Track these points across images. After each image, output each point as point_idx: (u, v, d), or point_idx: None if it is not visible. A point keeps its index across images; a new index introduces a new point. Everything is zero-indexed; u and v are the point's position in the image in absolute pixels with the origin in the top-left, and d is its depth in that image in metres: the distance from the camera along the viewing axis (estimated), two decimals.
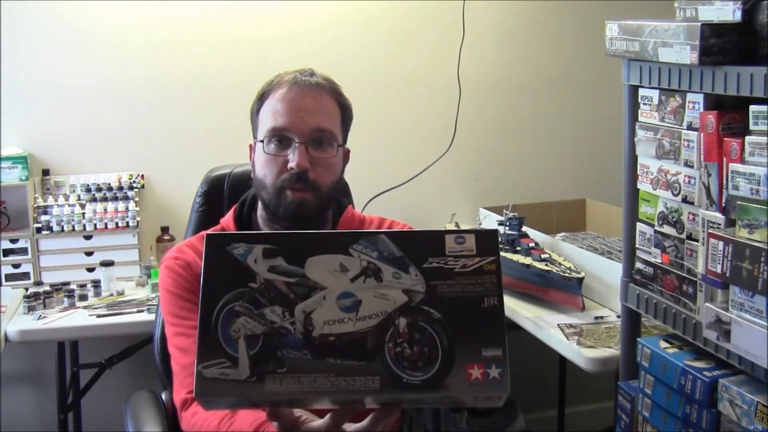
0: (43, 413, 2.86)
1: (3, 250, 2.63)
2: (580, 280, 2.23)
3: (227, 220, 1.70)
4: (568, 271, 2.26)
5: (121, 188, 2.76)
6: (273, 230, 1.65)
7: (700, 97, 1.51)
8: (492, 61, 3.07)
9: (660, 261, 1.66)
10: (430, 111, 3.03)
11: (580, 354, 2.01)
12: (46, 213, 2.65)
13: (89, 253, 2.69)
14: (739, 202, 1.39)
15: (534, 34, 3.10)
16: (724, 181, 1.44)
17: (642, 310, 1.74)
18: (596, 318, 2.21)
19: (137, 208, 2.73)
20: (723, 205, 1.45)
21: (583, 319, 2.21)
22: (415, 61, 3.00)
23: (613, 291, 2.09)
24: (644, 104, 1.67)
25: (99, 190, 2.74)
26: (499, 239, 2.50)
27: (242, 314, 1.16)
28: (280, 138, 1.57)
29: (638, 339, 1.74)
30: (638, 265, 1.74)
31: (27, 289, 2.54)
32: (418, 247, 1.19)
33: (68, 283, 2.57)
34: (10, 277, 2.63)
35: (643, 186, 1.70)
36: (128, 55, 2.77)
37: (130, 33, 2.76)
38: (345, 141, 1.67)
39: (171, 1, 2.77)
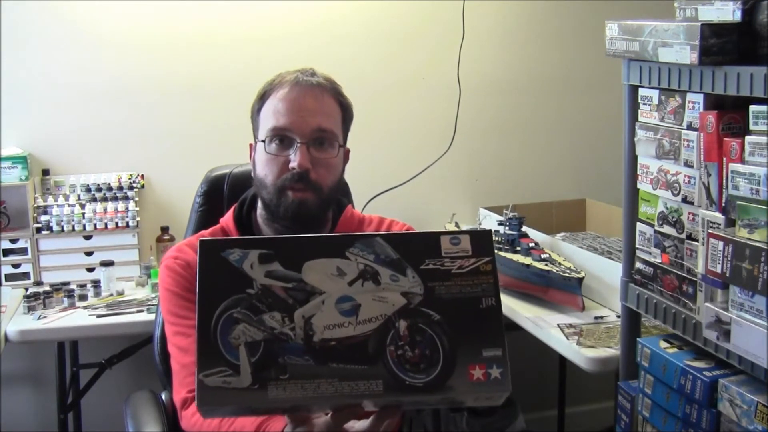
0: (43, 413, 2.86)
1: (3, 250, 2.63)
2: (580, 280, 2.23)
3: (227, 220, 1.70)
4: (568, 271, 2.26)
5: (121, 188, 2.76)
6: (273, 230, 1.65)
7: (700, 97, 1.51)
8: (492, 61, 3.07)
9: (660, 261, 1.66)
10: (430, 111, 3.03)
11: (580, 354, 2.01)
12: (46, 213, 2.65)
13: (89, 253, 2.69)
14: (739, 202, 1.39)
15: (534, 34, 3.10)
16: (724, 181, 1.44)
17: (642, 310, 1.74)
18: (596, 318, 2.21)
19: (137, 208, 2.73)
20: (723, 205, 1.45)
21: (583, 319, 2.21)
22: (415, 61, 3.00)
23: (613, 291, 2.09)
24: (644, 104, 1.67)
25: (99, 190, 2.74)
26: (499, 239, 2.51)
27: (241, 321, 1.15)
28: (282, 138, 1.57)
29: (638, 339, 1.74)
30: (638, 265, 1.74)
31: (27, 289, 2.54)
32: (414, 249, 1.19)
33: (68, 283, 2.56)
34: (10, 277, 2.63)
35: (643, 186, 1.70)
36: (128, 55, 2.77)
37: (130, 33, 2.76)
38: (345, 141, 1.67)
39: (171, 1, 2.77)
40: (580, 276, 2.23)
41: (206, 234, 1.69)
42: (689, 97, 1.53)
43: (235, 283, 1.17)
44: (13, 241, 2.64)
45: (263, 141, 1.59)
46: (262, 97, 1.62)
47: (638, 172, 1.70)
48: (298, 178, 1.56)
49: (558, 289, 2.29)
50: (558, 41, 3.11)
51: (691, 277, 1.56)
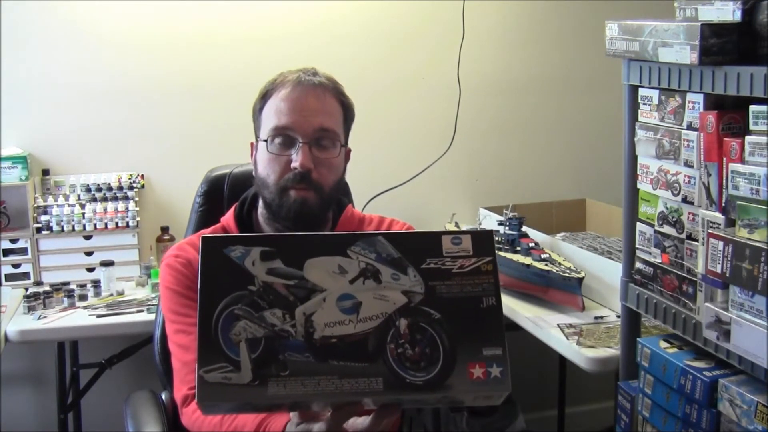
0: (43, 413, 2.86)
1: (3, 250, 2.63)
2: (580, 280, 2.23)
3: (228, 219, 1.70)
4: (568, 271, 2.26)
5: (121, 188, 2.76)
6: (274, 229, 1.65)
7: (700, 97, 1.51)
8: (492, 61, 3.07)
9: (660, 261, 1.66)
10: (430, 111, 3.03)
11: (580, 354, 2.01)
12: (46, 213, 2.65)
13: (89, 253, 2.69)
14: (739, 202, 1.39)
15: (534, 34, 3.10)
16: (724, 181, 1.44)
17: (642, 310, 1.74)
18: (596, 318, 2.21)
19: (137, 208, 2.73)
20: (723, 205, 1.45)
21: (583, 319, 2.21)
22: (415, 61, 3.00)
23: (613, 291, 2.09)
24: (644, 104, 1.67)
25: (99, 190, 2.74)
26: (499, 239, 2.51)
27: (242, 317, 1.15)
28: (284, 137, 1.58)
29: (638, 339, 1.74)
30: (638, 265, 1.74)
31: (27, 289, 2.54)
32: (416, 248, 1.20)
33: (68, 283, 2.56)
34: (10, 277, 2.63)
35: (643, 186, 1.70)
36: (128, 55, 2.77)
37: (131, 33, 2.76)
38: (347, 141, 1.67)
39: (171, 1, 2.77)
40: (580, 276, 2.24)
41: (207, 233, 1.69)
42: (689, 97, 1.53)
43: (237, 280, 1.17)
44: (13, 241, 2.64)
45: (265, 140, 1.59)
46: (264, 97, 1.62)
47: (638, 172, 1.70)
48: (300, 178, 1.56)
49: (558, 289, 2.29)
50: (558, 41, 3.12)
51: (691, 277, 1.56)
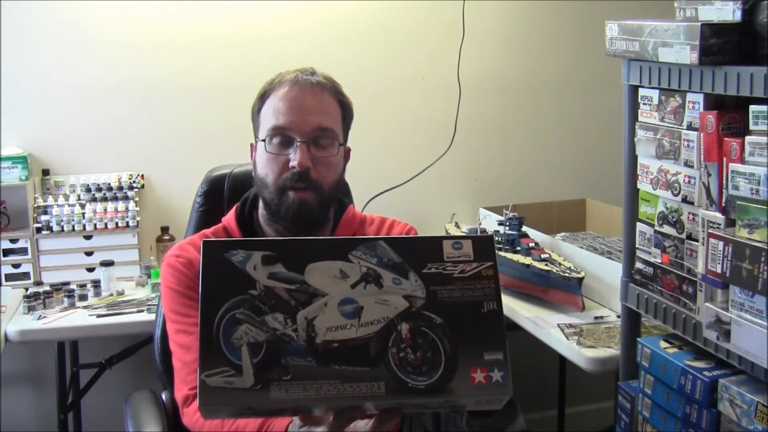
0: (43, 413, 2.86)
1: (3, 250, 2.63)
2: (580, 280, 2.23)
3: (229, 219, 1.70)
4: (568, 271, 2.26)
5: (121, 188, 2.76)
6: (274, 229, 1.65)
7: (700, 97, 1.51)
8: (492, 61, 3.07)
9: (660, 261, 1.66)
10: (430, 111, 3.03)
11: (580, 354, 2.01)
12: (46, 213, 2.65)
13: (89, 253, 2.69)
14: (739, 202, 1.39)
15: (534, 34, 3.10)
16: (724, 181, 1.44)
17: (642, 310, 1.74)
18: (596, 318, 2.21)
19: (137, 208, 2.73)
20: (723, 205, 1.45)
21: (583, 319, 2.21)
22: (415, 61, 3.00)
23: (613, 291, 2.09)
24: (644, 104, 1.67)
25: (99, 190, 2.74)
26: (499, 239, 2.51)
27: (244, 322, 1.15)
28: (282, 137, 1.58)
29: (638, 339, 1.74)
30: (638, 265, 1.74)
31: (27, 289, 2.54)
32: (417, 252, 1.20)
33: (68, 283, 2.57)
34: (10, 277, 2.63)
35: (643, 186, 1.70)
36: (128, 55, 2.77)
37: (130, 33, 2.76)
38: (346, 140, 1.67)
39: (171, 1, 2.77)
40: (580, 276, 2.24)
41: (208, 233, 1.69)
42: (689, 97, 1.53)
43: (238, 284, 1.17)
44: (13, 241, 2.64)
45: (263, 140, 1.59)
46: (262, 97, 1.62)
47: (638, 172, 1.70)
48: (299, 177, 1.56)
49: (558, 289, 2.29)
50: (558, 41, 3.11)
51: (691, 277, 1.56)
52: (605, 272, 2.28)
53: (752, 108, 1.38)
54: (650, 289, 1.70)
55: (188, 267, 1.60)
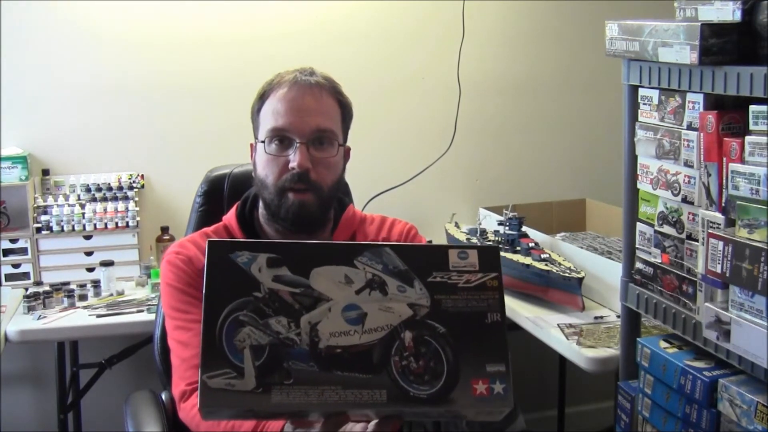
0: (43, 413, 2.86)
1: (3, 250, 2.63)
2: (580, 280, 2.23)
3: (230, 218, 1.70)
4: (568, 271, 2.26)
5: (121, 188, 2.76)
6: (274, 229, 1.65)
7: (700, 97, 1.51)
8: (492, 61, 3.07)
9: (660, 261, 1.66)
10: (430, 111, 3.03)
11: (580, 354, 2.01)
12: (46, 213, 2.65)
13: (89, 253, 2.69)
14: (739, 202, 1.39)
15: (534, 34, 3.10)
16: (724, 181, 1.43)
17: (642, 310, 1.74)
18: (596, 318, 2.21)
19: (137, 208, 2.73)
20: (723, 205, 1.45)
21: (583, 319, 2.21)
22: (415, 61, 3.00)
23: (613, 291, 2.09)
24: (644, 104, 1.67)
25: (99, 190, 2.74)
26: (499, 239, 2.51)
27: (247, 324, 1.15)
28: (281, 138, 1.58)
29: (638, 339, 1.74)
30: (638, 265, 1.74)
31: (27, 289, 2.54)
32: (422, 261, 1.20)
33: (68, 283, 2.56)
34: (10, 277, 2.63)
35: (643, 186, 1.70)
36: (128, 55, 2.77)
37: (130, 33, 2.76)
38: (345, 140, 1.67)
39: (171, 1, 2.77)
40: (580, 276, 2.23)
41: (209, 231, 1.69)
42: (689, 97, 1.53)
43: (243, 286, 1.16)
44: (13, 241, 2.64)
45: (263, 141, 1.59)
46: (262, 97, 1.62)
47: (638, 172, 1.70)
48: (298, 178, 1.56)
49: (558, 289, 2.29)
50: (558, 41, 3.11)
51: (691, 277, 1.56)
52: (605, 272, 2.28)
53: (752, 108, 1.38)
54: (650, 289, 1.70)
55: (188, 264, 1.61)
